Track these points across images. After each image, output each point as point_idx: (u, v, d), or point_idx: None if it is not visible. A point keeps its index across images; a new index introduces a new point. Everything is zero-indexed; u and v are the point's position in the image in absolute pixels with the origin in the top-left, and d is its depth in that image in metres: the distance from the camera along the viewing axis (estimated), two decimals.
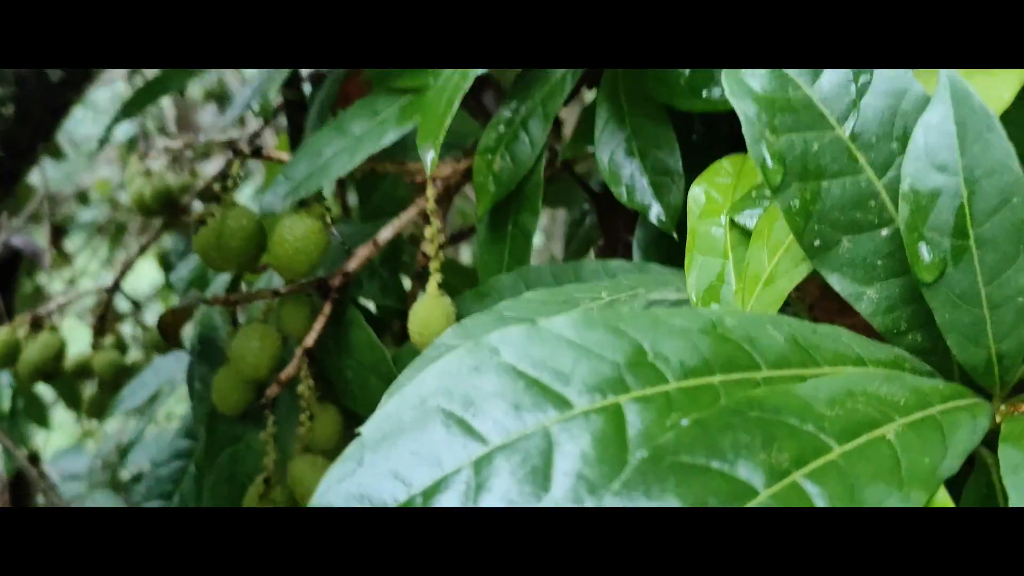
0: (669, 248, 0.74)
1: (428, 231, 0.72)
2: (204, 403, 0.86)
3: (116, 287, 1.22)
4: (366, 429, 0.35)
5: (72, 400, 2.51)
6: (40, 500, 2.33)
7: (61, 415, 3.07)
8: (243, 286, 0.93)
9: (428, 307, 0.71)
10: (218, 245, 0.72)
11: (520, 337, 0.36)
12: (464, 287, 0.92)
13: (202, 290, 0.94)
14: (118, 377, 1.23)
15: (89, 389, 2.06)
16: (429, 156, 0.62)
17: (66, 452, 2.10)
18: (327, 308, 0.75)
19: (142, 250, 1.21)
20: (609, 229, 0.85)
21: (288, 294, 0.76)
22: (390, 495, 0.33)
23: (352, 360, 0.77)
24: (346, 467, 0.34)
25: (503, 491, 0.32)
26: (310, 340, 0.74)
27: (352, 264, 0.76)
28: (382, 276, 0.81)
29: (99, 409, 1.29)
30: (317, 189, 0.70)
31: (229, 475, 0.83)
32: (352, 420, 0.83)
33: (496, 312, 0.51)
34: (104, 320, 1.25)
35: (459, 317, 0.73)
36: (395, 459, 0.34)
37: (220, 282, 0.93)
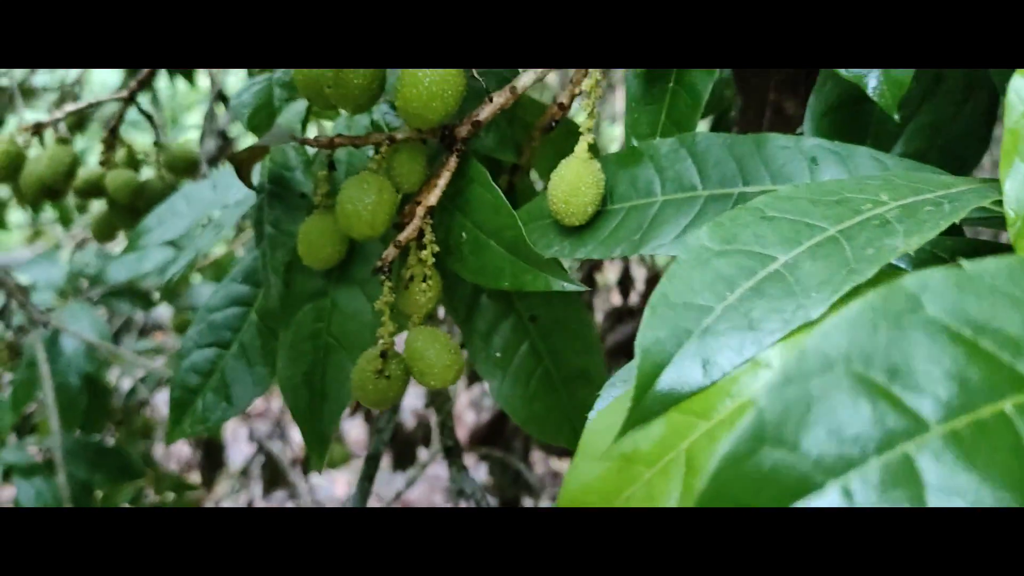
0: (853, 122, 0.66)
1: (586, 82, 0.62)
2: (279, 250, 0.77)
3: (133, 96, 1.07)
4: (766, 401, 0.27)
5: (64, 217, 2.34)
6: (14, 307, 2.22)
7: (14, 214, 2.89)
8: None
9: (577, 171, 0.62)
10: (336, 80, 0.61)
11: (946, 285, 0.29)
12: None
13: (270, 120, 0.82)
14: (133, 199, 1.11)
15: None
16: None
17: (36, 260, 1.97)
18: (452, 162, 0.65)
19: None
20: (749, 87, 0.76)
21: (405, 141, 0.65)
22: (802, 481, 0.26)
23: (469, 221, 0.68)
24: (745, 444, 0.27)
25: (954, 487, 0.26)
26: (433, 198, 0.65)
27: (484, 112, 0.65)
28: (499, 126, 0.71)
29: (108, 232, 1.18)
30: None
31: (311, 333, 0.76)
32: (452, 281, 0.76)
33: (755, 210, 0.42)
34: (116, 132, 1.11)
35: None
36: (808, 438, 0.27)
37: (292, 113, 0.80)
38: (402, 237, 0.64)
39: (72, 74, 2.40)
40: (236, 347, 0.85)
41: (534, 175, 0.92)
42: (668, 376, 0.38)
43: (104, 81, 3.49)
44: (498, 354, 0.80)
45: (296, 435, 3.65)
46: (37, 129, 1.06)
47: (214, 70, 2.65)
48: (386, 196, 0.65)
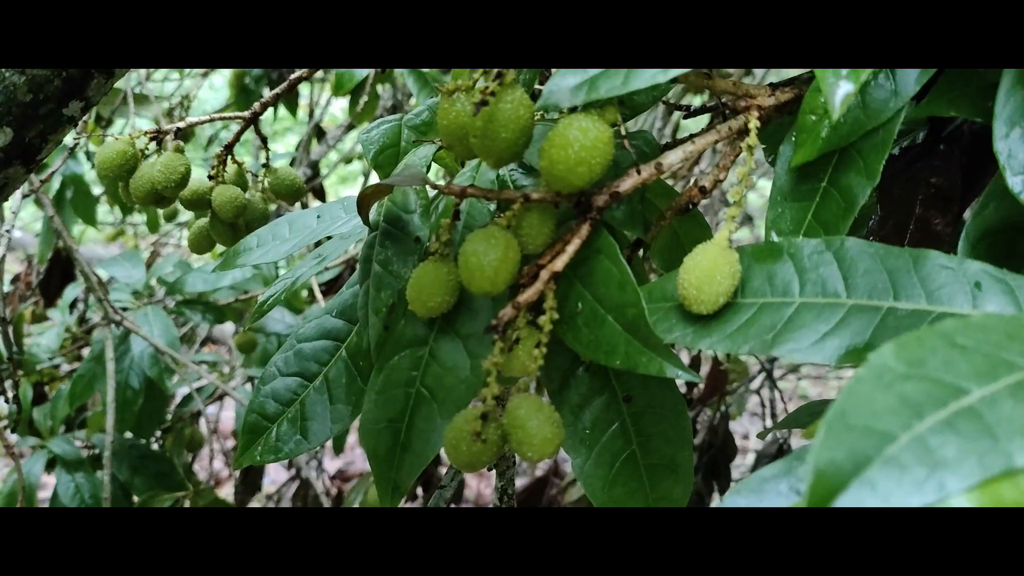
0: (1012, 248, 0.62)
1: (739, 170, 0.59)
2: (384, 291, 0.75)
3: (256, 117, 1.09)
4: None
5: (152, 222, 2.39)
6: (91, 300, 2.26)
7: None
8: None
9: (714, 258, 0.60)
10: (483, 131, 0.60)
11: None
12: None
13: (395, 160, 0.81)
14: (236, 216, 1.11)
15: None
16: (842, 91, 0.48)
17: (119, 259, 2.00)
18: (584, 230, 0.63)
19: (292, 86, 1.07)
20: (891, 197, 0.73)
21: (538, 201, 0.64)
22: None
23: (589, 292, 0.65)
24: None
25: None
26: (560, 264, 0.63)
27: (625, 185, 0.63)
28: (632, 200, 0.69)
29: (205, 245, 1.18)
30: (624, 93, 0.56)
31: (405, 380, 0.73)
32: (551, 349, 0.73)
33: (944, 334, 0.39)
34: (231, 149, 1.12)
35: None
36: None
37: (418, 156, 0.80)
38: (522, 299, 0.62)
39: (184, 86, 2.49)
40: (320, 381, 0.83)
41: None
42: (843, 503, 0.34)
43: (204, 97, 3.61)
44: (587, 430, 0.77)
45: (331, 466, 3.62)
46: (157, 135, 1.08)
47: (315, 103, 2.72)
48: (511, 255, 0.63)
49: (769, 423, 2.12)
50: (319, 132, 2.69)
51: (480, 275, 0.62)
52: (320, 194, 2.78)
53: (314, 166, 2.53)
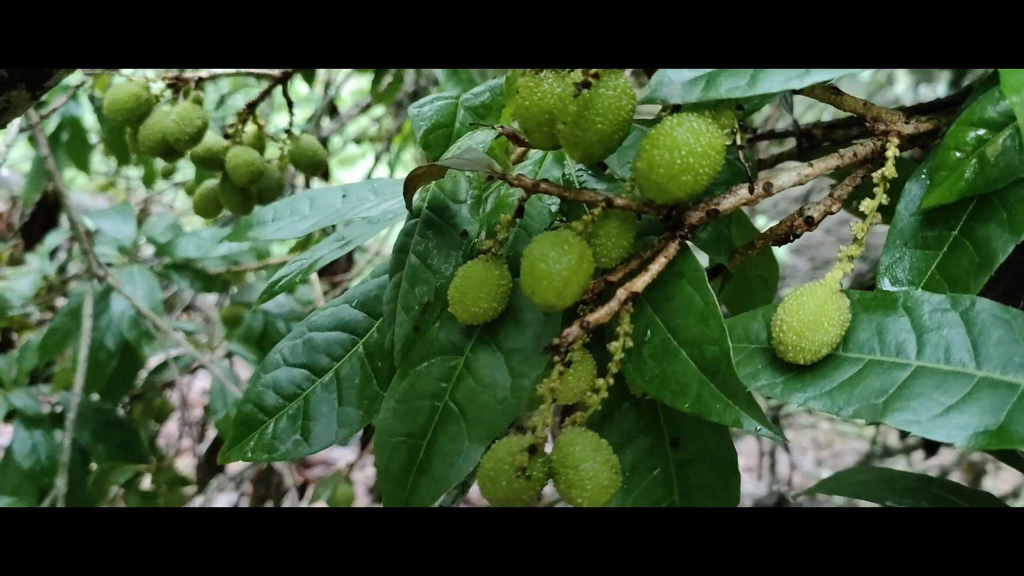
0: None
1: (867, 204, 0.51)
2: (419, 286, 0.66)
3: (288, 77, 0.99)
4: None
5: (149, 178, 2.28)
6: (75, 250, 2.14)
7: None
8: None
9: (822, 302, 0.51)
10: (576, 118, 0.51)
11: None
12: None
13: (446, 141, 0.72)
14: (249, 182, 1.02)
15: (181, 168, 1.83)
16: None
17: (109, 211, 1.89)
18: (672, 248, 0.55)
19: None
20: (1006, 263, 0.64)
21: (622, 209, 0.55)
22: None
23: (661, 320, 0.57)
24: None
25: None
26: (641, 284, 0.54)
27: (726, 203, 0.55)
28: (720, 223, 0.60)
29: (211, 209, 1.08)
30: (748, 96, 0.48)
31: (432, 392, 0.64)
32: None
33: None
34: (255, 108, 1.03)
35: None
36: None
37: (473, 141, 0.71)
38: (593, 319, 0.53)
39: None
40: (330, 377, 0.74)
41: None
42: None
43: None
44: (626, 472, 0.68)
45: None
46: (176, 83, 0.98)
47: (331, 79, 2.62)
48: (585, 265, 0.54)
49: (767, 471, 2.04)
50: (332, 109, 2.59)
51: (547, 285, 0.53)
52: (324, 172, 2.68)
53: (323, 143, 2.43)
